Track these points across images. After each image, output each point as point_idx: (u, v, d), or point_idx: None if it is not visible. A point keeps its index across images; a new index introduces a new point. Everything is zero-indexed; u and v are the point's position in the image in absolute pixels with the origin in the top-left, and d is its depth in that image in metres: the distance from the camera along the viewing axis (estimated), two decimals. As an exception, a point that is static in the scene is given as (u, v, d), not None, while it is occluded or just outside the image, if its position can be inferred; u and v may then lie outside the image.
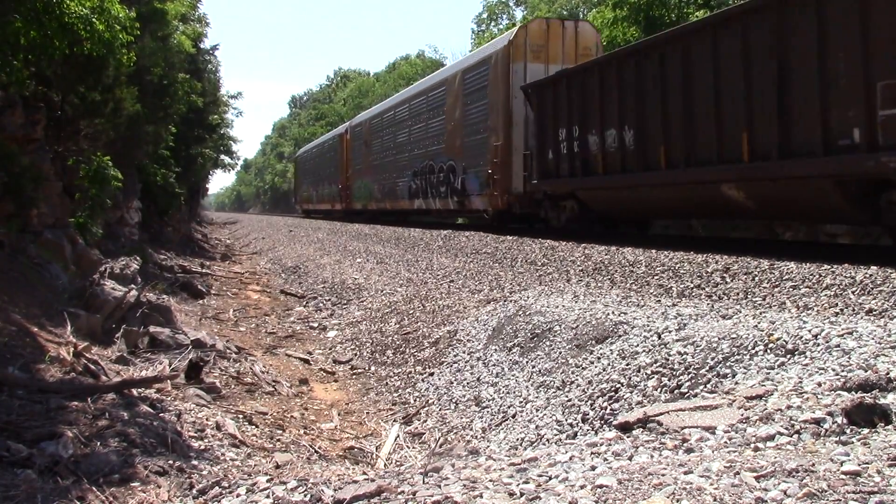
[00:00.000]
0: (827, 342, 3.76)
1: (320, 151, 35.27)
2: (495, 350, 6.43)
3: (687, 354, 4.31)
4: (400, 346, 7.92)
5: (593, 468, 2.38)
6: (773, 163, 7.49)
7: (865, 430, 2.44)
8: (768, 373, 3.64)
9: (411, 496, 2.27)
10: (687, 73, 8.86)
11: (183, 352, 6.48)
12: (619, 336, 5.19)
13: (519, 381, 5.61)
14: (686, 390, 3.98)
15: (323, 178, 33.96)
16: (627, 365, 4.62)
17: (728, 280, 6.32)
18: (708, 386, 3.89)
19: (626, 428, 2.95)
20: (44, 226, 8.60)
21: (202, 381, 5.99)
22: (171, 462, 3.64)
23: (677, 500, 1.93)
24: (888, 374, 2.98)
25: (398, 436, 5.44)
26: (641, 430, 2.88)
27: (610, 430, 3.08)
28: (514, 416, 5.15)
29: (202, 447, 4.34)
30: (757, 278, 6.10)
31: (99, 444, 3.72)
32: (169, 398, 5.19)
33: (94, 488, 3.15)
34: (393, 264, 12.65)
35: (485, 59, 15.09)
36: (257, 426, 5.32)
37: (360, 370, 7.67)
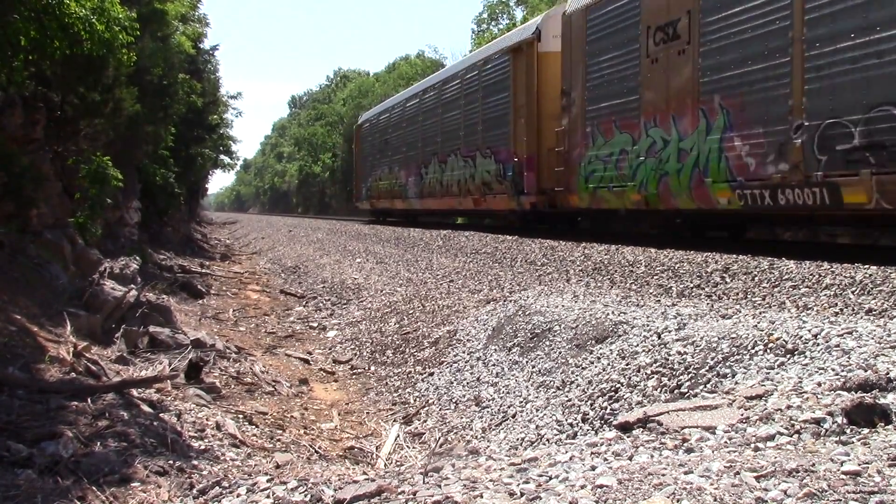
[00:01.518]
0: (827, 342, 3.76)
1: (432, 102, 17.84)
2: (495, 350, 6.43)
3: (687, 354, 4.31)
4: (400, 345, 7.92)
5: (593, 468, 2.38)
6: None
7: (865, 430, 2.44)
8: (768, 373, 3.64)
9: (411, 496, 2.27)
10: None
11: (183, 352, 6.48)
12: (619, 336, 5.19)
13: (519, 381, 5.61)
14: (686, 390, 3.98)
15: (437, 150, 17.34)
16: (627, 365, 4.62)
17: (728, 280, 6.32)
18: (708, 386, 3.89)
19: (626, 428, 2.95)
20: (44, 226, 8.60)
21: (202, 381, 5.99)
22: (171, 462, 3.64)
23: (677, 500, 1.93)
24: (888, 373, 2.98)
25: (398, 436, 5.44)
26: (641, 430, 2.88)
27: (610, 430, 3.08)
28: (514, 416, 5.15)
29: (202, 447, 4.34)
30: (757, 278, 6.11)
31: (99, 444, 3.72)
32: (169, 398, 5.19)
33: (94, 488, 3.15)
34: (392, 264, 12.65)
35: None
36: (257, 426, 5.32)
37: (359, 370, 7.67)
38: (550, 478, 2.31)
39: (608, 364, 4.84)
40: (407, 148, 20.17)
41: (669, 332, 4.81)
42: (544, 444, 4.29)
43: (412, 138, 19.71)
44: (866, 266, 5.67)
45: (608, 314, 5.74)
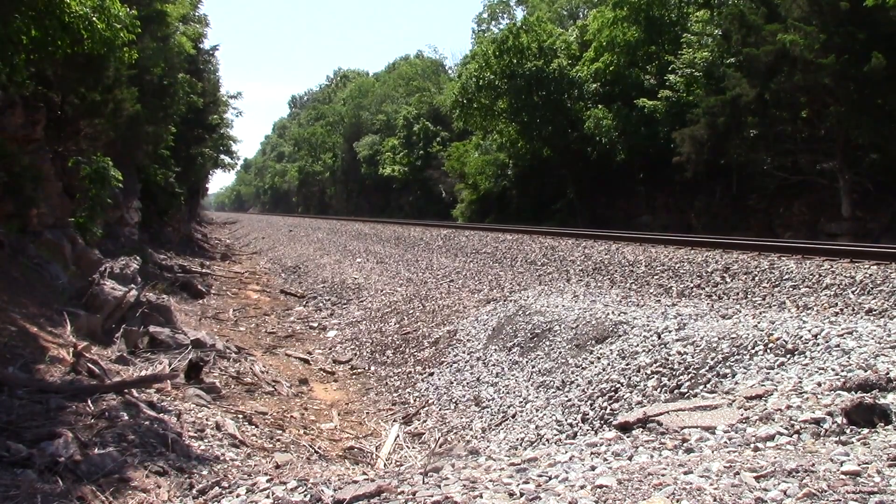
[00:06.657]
0: (827, 342, 3.76)
1: None
2: (495, 350, 6.43)
3: (687, 354, 4.31)
4: (400, 345, 7.92)
5: (593, 468, 2.38)
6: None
7: (865, 430, 2.44)
8: (768, 373, 3.64)
9: (411, 496, 2.27)
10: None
11: (183, 352, 6.47)
12: (619, 336, 5.18)
13: (519, 381, 5.61)
14: (686, 390, 3.98)
15: None
16: (627, 365, 4.62)
17: (728, 280, 6.31)
18: (708, 386, 3.89)
19: (625, 428, 2.95)
20: (44, 226, 8.60)
21: (202, 381, 5.99)
22: (171, 462, 3.64)
23: (677, 500, 1.93)
24: (888, 374, 2.98)
25: (398, 436, 5.44)
26: (641, 430, 2.88)
27: (610, 430, 3.08)
28: (513, 416, 5.15)
29: (202, 447, 4.34)
30: (757, 278, 6.10)
31: (99, 444, 3.71)
32: (169, 398, 5.18)
33: (93, 488, 3.15)
34: (393, 264, 12.65)
35: None
36: (257, 426, 5.31)
37: (359, 370, 7.67)
38: (550, 478, 2.31)
39: (608, 364, 4.84)
40: None
41: (669, 332, 4.80)
42: (544, 445, 4.29)
43: None
44: (867, 266, 5.67)
45: (608, 314, 5.73)
